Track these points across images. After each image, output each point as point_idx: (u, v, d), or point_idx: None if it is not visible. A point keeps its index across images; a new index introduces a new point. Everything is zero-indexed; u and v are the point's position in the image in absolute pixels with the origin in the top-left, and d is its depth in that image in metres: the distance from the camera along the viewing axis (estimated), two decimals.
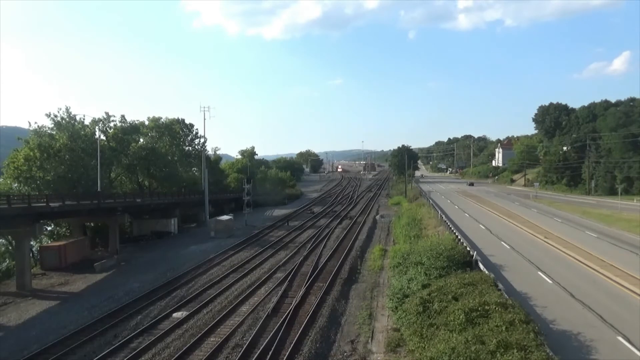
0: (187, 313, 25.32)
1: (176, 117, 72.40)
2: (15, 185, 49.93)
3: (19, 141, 51.88)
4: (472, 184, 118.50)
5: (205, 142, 74.50)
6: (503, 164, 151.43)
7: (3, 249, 44.78)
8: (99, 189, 48.39)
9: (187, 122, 72.98)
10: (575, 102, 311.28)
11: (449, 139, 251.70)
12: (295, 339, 20.53)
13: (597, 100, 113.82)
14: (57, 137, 52.23)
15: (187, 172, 72.24)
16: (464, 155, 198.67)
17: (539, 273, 26.48)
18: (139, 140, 65.67)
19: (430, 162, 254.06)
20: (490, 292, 19.72)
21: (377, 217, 64.23)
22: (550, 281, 24.69)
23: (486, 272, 24.23)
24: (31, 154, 48.88)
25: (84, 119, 56.96)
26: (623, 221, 46.07)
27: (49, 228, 49.59)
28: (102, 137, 56.62)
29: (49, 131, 52.95)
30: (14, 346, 22.35)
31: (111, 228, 46.48)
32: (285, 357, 18.82)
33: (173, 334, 22.47)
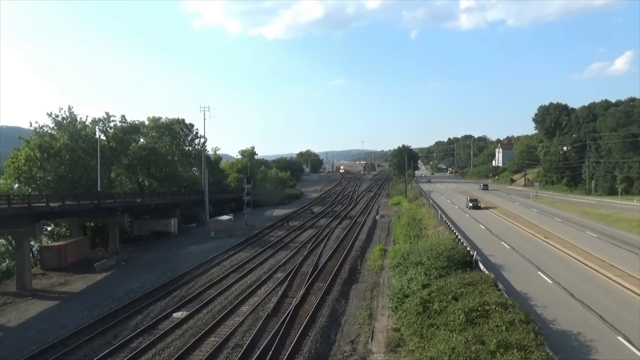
0: (187, 313, 25.32)
1: (176, 117, 72.57)
2: (16, 185, 49.94)
3: (19, 141, 51.88)
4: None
5: (205, 142, 74.60)
6: (503, 164, 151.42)
7: (3, 249, 44.78)
8: (99, 189, 48.39)
9: (187, 122, 73.14)
10: (576, 102, 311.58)
11: (449, 139, 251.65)
12: (295, 339, 20.53)
13: (598, 100, 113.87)
14: (57, 136, 52.23)
15: (187, 172, 72.23)
16: (464, 155, 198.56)
17: (539, 273, 26.49)
18: (139, 140, 65.66)
19: (431, 162, 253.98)
20: (490, 292, 19.72)
21: (377, 217, 64.22)
22: (550, 281, 24.69)
23: (486, 272, 24.24)
24: (32, 154, 48.87)
25: (85, 119, 57.16)
26: (623, 221, 46.05)
27: (49, 228, 49.60)
28: (103, 137, 56.59)
29: (49, 131, 52.96)
30: (14, 346, 22.33)
31: (111, 228, 46.47)
32: (285, 357, 18.82)
33: (173, 334, 22.47)
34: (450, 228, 40.85)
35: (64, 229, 51.34)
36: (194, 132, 73.71)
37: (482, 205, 61.36)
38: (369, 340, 20.66)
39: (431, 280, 23.28)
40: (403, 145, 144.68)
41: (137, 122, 65.71)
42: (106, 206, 44.30)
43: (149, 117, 70.67)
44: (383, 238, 48.09)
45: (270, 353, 19.03)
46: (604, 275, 25.66)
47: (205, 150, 74.62)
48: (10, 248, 42.96)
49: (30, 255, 40.14)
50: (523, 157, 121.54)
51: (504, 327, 15.76)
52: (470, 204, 61.13)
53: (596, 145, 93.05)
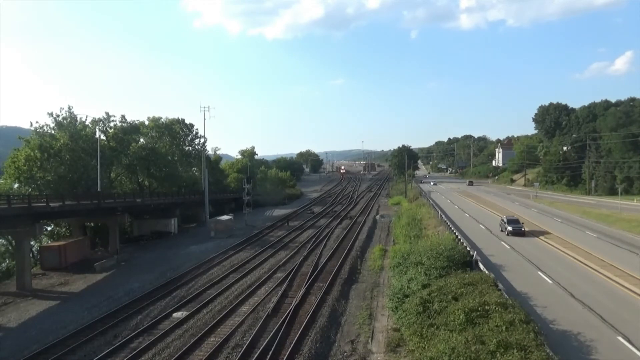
0: (187, 313, 25.34)
1: (176, 117, 72.56)
2: (16, 185, 49.96)
3: (19, 141, 51.92)
4: (471, 183, 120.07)
5: (205, 142, 74.60)
6: (503, 164, 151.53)
7: (3, 249, 44.85)
8: (99, 189, 48.40)
9: (187, 122, 73.11)
10: (576, 102, 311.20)
11: (449, 139, 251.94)
12: (296, 339, 20.54)
13: (598, 100, 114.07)
14: (57, 136, 52.26)
15: (187, 172, 72.23)
16: (464, 155, 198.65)
17: (539, 273, 26.49)
18: (139, 140, 65.68)
19: (431, 162, 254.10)
20: (490, 292, 19.73)
21: (377, 217, 64.23)
22: (550, 281, 24.69)
23: (486, 272, 24.25)
24: (32, 154, 48.89)
25: (85, 119, 57.20)
26: (623, 221, 46.06)
27: (49, 228, 49.60)
28: (103, 137, 56.62)
29: (50, 131, 52.99)
30: (14, 346, 22.36)
31: (111, 228, 46.49)
32: (285, 357, 18.83)
33: (173, 334, 22.48)
34: (450, 228, 40.85)
35: (64, 229, 51.35)
36: (194, 132, 73.77)
37: (526, 229, 40.05)
38: (369, 340, 20.66)
39: (431, 280, 23.29)
40: (403, 145, 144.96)
41: (137, 122, 65.77)
42: (106, 206, 44.32)
43: (149, 117, 70.78)
44: (383, 238, 48.09)
45: (270, 353, 19.03)
46: (604, 275, 25.66)
47: (205, 150, 74.73)
48: (10, 248, 42.99)
49: (30, 255, 40.14)
50: (523, 157, 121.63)
51: (504, 327, 15.77)
52: (509, 227, 39.19)
53: (596, 145, 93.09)
